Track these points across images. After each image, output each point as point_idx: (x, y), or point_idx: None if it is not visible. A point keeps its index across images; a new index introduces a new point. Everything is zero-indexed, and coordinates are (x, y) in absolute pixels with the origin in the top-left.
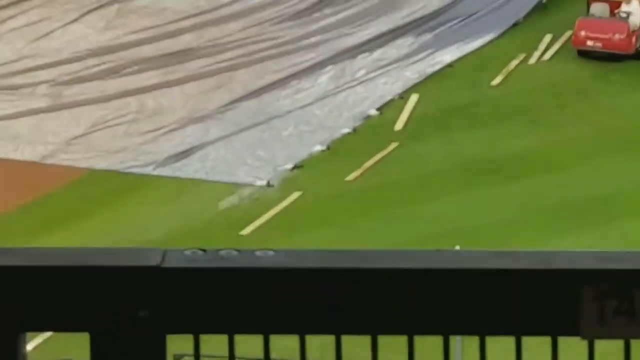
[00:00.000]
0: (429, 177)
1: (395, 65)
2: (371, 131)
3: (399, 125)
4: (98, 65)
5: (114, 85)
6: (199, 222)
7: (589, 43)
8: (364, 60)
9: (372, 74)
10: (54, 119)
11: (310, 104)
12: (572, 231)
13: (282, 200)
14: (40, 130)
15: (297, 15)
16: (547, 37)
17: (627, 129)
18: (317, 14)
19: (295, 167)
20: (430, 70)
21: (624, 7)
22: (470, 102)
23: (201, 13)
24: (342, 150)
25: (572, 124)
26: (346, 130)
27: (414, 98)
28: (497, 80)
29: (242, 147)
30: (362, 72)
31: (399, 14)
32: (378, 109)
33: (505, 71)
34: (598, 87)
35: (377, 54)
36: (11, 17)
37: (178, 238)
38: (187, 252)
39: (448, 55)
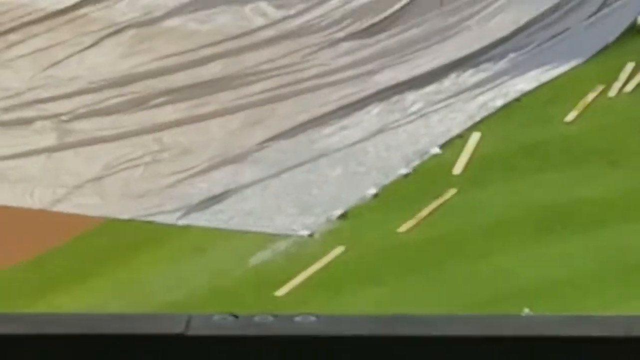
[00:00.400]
0: (493, 228)
1: (456, 99)
2: (427, 175)
3: (457, 169)
4: (117, 96)
5: (134, 119)
6: (228, 280)
7: None
8: (419, 92)
9: (430, 108)
10: (65, 158)
11: (360, 141)
12: None
13: (323, 254)
14: (48, 172)
15: (349, 37)
16: (630, 66)
17: None
18: (369, 39)
19: (341, 215)
20: (500, 103)
21: None
22: (540, 141)
23: (234, 38)
24: (392, 197)
25: None
26: (399, 173)
27: (475, 137)
28: (571, 115)
29: (282, 191)
30: (418, 106)
31: (466, 37)
32: (439, 147)
33: (580, 105)
34: None
35: (436, 84)
36: (20, 42)
37: (204, 299)
38: (216, 318)
39: (523, 84)
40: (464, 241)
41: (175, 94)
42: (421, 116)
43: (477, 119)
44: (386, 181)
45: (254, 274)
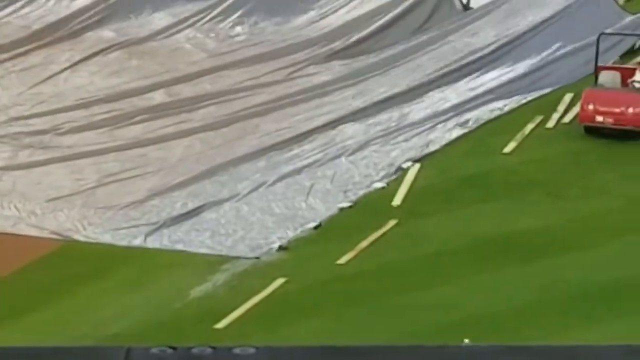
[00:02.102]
0: (433, 259)
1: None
2: (367, 207)
3: (397, 200)
4: (102, 113)
5: (118, 135)
6: (169, 313)
7: (599, 118)
8: (361, 124)
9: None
10: (47, 173)
11: (302, 171)
12: (599, 321)
13: (264, 286)
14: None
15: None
16: (568, 97)
17: None
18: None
19: (281, 247)
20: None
21: (639, 76)
22: (479, 172)
23: (217, 55)
24: (333, 228)
25: (596, 196)
26: (340, 206)
27: (414, 168)
28: (510, 147)
29: (247, 211)
30: (357, 139)
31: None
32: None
33: (519, 136)
34: (627, 152)
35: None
36: (8, 60)
37: (144, 332)
38: (154, 350)
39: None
40: (405, 272)
41: (158, 111)
42: (361, 149)
43: (422, 153)
44: (327, 214)
45: (195, 306)
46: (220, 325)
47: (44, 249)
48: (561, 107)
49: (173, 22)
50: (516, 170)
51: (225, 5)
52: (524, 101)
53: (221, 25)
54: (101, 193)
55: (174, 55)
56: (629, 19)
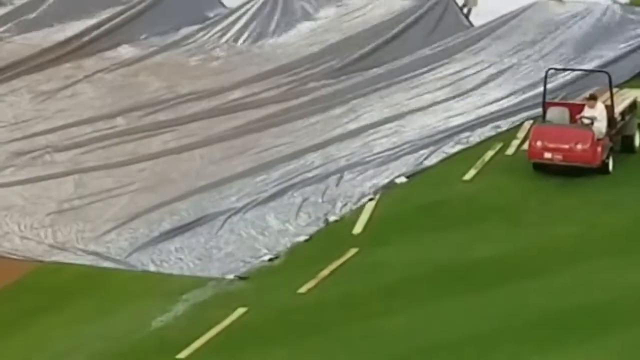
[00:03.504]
0: (394, 287)
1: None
2: (327, 235)
3: (357, 229)
4: (104, 129)
5: (120, 150)
6: (130, 344)
7: (547, 155)
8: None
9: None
10: (45, 188)
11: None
12: (558, 347)
13: (225, 316)
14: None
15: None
16: (527, 124)
17: (622, 227)
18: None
19: (242, 277)
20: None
21: (587, 112)
22: (439, 200)
23: (220, 73)
24: (293, 257)
25: (556, 222)
26: (298, 239)
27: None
28: (469, 174)
29: (227, 231)
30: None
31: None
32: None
33: (479, 164)
34: (587, 178)
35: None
36: (14, 77)
37: None
38: None
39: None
40: (365, 300)
41: (161, 126)
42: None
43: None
44: (287, 243)
45: (156, 336)
46: (182, 355)
47: (6, 278)
48: (521, 134)
49: (175, 39)
50: (476, 197)
51: (226, 22)
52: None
53: (223, 40)
54: (98, 207)
55: (176, 72)
56: None
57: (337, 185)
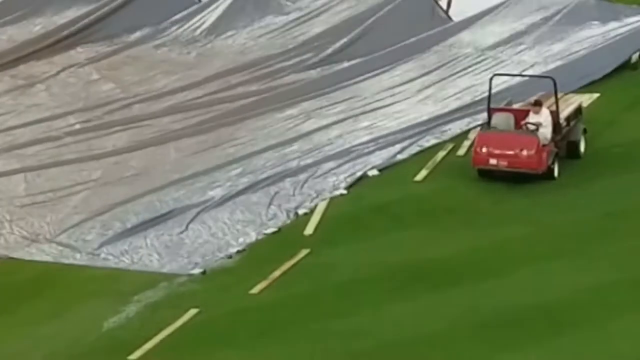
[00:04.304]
0: (345, 288)
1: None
2: (279, 236)
3: (309, 229)
4: (81, 122)
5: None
6: (82, 345)
7: (492, 161)
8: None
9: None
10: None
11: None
12: (514, 347)
13: (177, 317)
14: None
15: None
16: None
17: (572, 228)
18: None
19: (194, 277)
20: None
21: (533, 118)
22: (390, 201)
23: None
24: (245, 258)
25: (508, 223)
26: (251, 241)
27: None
28: (421, 174)
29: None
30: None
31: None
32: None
33: (430, 164)
34: (537, 179)
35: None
36: None
37: None
38: None
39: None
40: (318, 301)
41: (136, 120)
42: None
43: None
44: (238, 245)
45: (109, 338)
46: (134, 356)
47: None
48: (472, 135)
49: (151, 32)
50: (427, 198)
51: (203, 14)
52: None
53: (197, 33)
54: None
55: (152, 66)
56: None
57: (310, 178)
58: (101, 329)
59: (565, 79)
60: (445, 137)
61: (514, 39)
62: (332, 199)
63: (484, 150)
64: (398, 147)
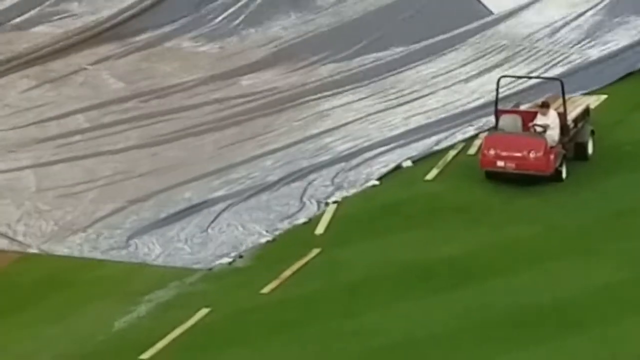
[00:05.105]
0: (357, 287)
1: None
2: (289, 236)
3: (320, 229)
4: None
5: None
6: (93, 345)
7: (500, 163)
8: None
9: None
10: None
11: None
12: (523, 346)
13: (188, 317)
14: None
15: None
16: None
17: (582, 227)
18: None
19: (205, 277)
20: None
21: (540, 120)
22: (401, 200)
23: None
24: (256, 258)
25: (517, 222)
26: (262, 240)
27: (336, 196)
28: (432, 174)
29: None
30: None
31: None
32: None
33: (441, 163)
34: (546, 181)
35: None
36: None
37: None
38: None
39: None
40: (328, 300)
41: (172, 112)
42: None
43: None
44: (250, 244)
45: (119, 337)
46: (145, 356)
47: None
48: (483, 134)
49: (185, 25)
50: (438, 197)
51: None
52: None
53: (232, 25)
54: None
55: (187, 59)
56: None
57: (343, 170)
58: (112, 328)
59: (602, 73)
60: (482, 129)
61: (552, 31)
62: (343, 198)
63: (492, 152)
64: (435, 138)
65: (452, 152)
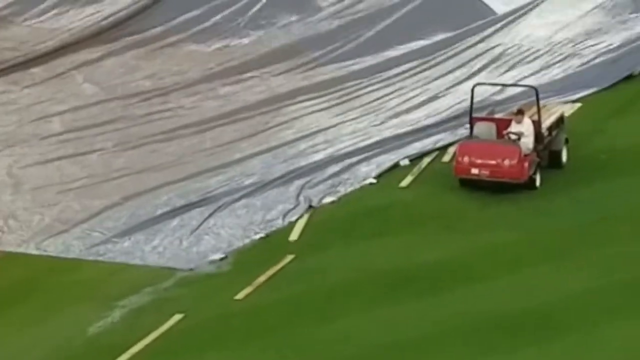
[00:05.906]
0: (331, 293)
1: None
2: (263, 242)
3: (294, 235)
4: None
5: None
6: (66, 350)
7: (474, 171)
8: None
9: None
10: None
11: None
12: (499, 352)
13: (161, 323)
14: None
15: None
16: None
17: (557, 233)
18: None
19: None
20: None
21: (515, 127)
22: (376, 207)
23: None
24: (230, 264)
25: (493, 228)
26: (238, 244)
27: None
28: (406, 181)
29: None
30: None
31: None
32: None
33: (415, 170)
34: (522, 188)
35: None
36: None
37: None
38: None
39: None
40: (302, 306)
41: (172, 109)
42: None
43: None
44: (226, 249)
45: (93, 343)
46: None
47: None
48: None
49: (188, 22)
50: (413, 204)
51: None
52: None
53: (237, 23)
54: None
55: (189, 56)
56: None
57: (341, 170)
58: (86, 334)
59: (607, 73)
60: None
61: (555, 32)
62: (321, 205)
63: (466, 159)
64: (434, 139)
65: (427, 159)
